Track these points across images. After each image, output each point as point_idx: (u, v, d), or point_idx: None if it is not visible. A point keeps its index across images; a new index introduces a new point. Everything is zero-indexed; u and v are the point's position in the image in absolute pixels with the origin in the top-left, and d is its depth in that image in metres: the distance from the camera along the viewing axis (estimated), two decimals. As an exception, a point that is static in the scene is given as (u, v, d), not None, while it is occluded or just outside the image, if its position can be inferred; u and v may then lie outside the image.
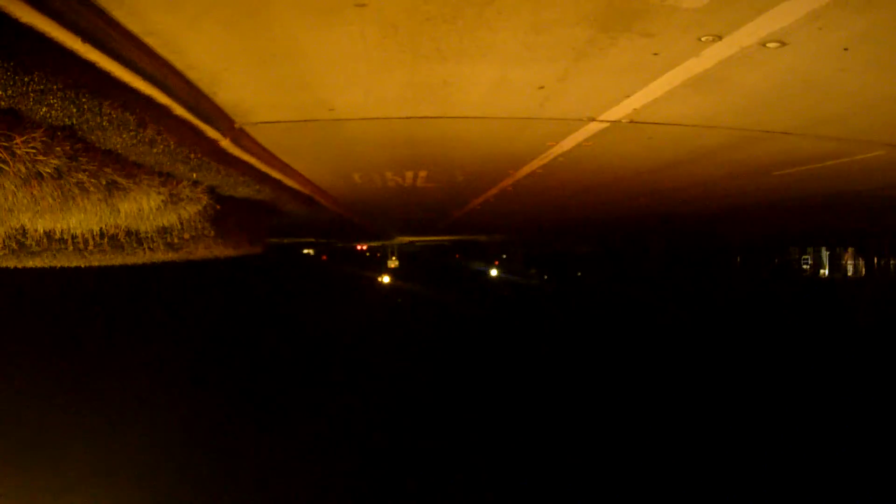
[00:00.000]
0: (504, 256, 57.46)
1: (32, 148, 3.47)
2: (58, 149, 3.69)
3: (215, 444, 15.23)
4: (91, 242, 5.47)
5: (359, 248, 49.77)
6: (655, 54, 3.81)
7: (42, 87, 3.11)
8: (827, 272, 31.27)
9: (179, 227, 6.06)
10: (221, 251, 7.81)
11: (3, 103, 3.13)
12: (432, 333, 30.12)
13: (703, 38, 3.54)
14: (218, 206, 6.36)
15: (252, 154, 6.09)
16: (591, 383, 20.69)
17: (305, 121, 5.39)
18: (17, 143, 3.39)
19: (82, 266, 6.41)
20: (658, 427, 16.64)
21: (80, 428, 14.30)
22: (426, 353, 25.79)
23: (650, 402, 18.47)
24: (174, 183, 5.44)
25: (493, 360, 24.51)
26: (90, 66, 3.33)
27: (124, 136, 4.04)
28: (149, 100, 3.99)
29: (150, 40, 3.47)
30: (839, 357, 20.19)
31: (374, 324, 31.59)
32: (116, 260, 6.53)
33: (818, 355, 20.57)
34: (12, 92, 3.02)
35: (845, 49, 3.65)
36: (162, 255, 6.76)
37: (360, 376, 22.11)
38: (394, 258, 46.09)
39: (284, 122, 5.40)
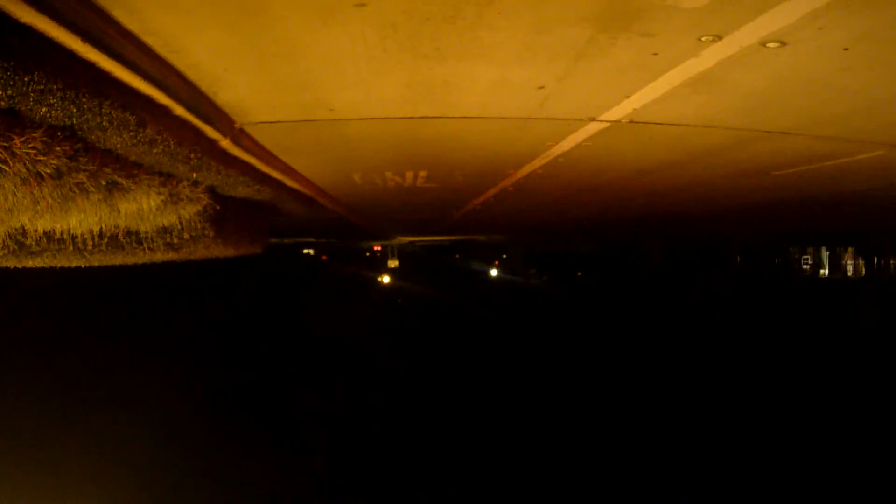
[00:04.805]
0: (504, 256, 57.50)
1: (32, 148, 3.47)
2: (58, 149, 3.68)
3: (214, 444, 15.21)
4: (91, 242, 5.47)
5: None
6: (655, 54, 3.81)
7: (42, 87, 3.10)
8: (827, 272, 31.28)
9: (179, 227, 6.05)
10: (221, 251, 7.79)
11: (2, 103, 3.13)
12: (432, 334, 30.11)
13: (703, 38, 3.54)
14: (218, 206, 6.35)
15: (252, 154, 6.08)
16: (588, 381, 20.69)
17: (306, 121, 5.39)
18: (16, 144, 3.38)
19: (82, 266, 6.41)
20: (648, 424, 16.65)
21: (79, 428, 14.30)
22: (426, 353, 25.79)
23: (643, 400, 18.47)
24: (174, 183, 5.44)
25: (491, 359, 24.50)
26: (90, 66, 3.33)
27: (124, 136, 4.04)
28: (149, 100, 3.99)
29: (149, 40, 3.47)
30: (839, 358, 20.18)
31: (374, 324, 31.58)
32: (116, 260, 6.52)
33: (817, 356, 20.56)
34: (12, 92, 3.01)
35: (845, 49, 3.65)
36: (162, 255, 6.75)
37: (359, 375, 22.09)
38: (394, 258, 46.07)
39: (285, 122, 5.40)
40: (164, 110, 4.24)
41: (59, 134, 3.67)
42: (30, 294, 15.49)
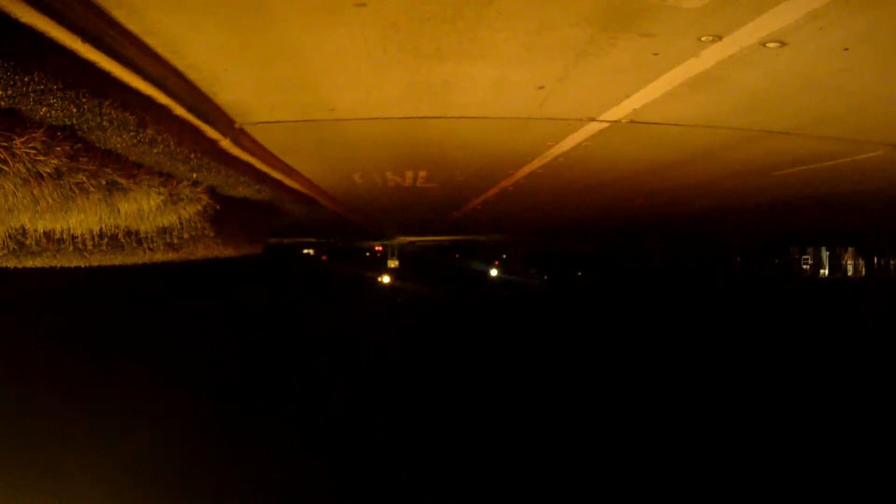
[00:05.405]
0: (504, 256, 57.49)
1: (32, 148, 3.47)
2: (58, 149, 3.68)
3: (214, 445, 15.22)
4: (91, 242, 5.47)
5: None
6: (655, 54, 3.80)
7: (42, 87, 3.10)
8: (827, 272, 31.26)
9: (179, 227, 6.05)
10: (221, 251, 7.80)
11: (3, 103, 3.13)
12: (432, 332, 30.13)
13: (703, 38, 3.54)
14: (218, 206, 6.36)
15: (252, 154, 6.08)
16: (586, 380, 20.70)
17: (306, 121, 5.39)
18: (16, 144, 3.38)
19: (82, 266, 6.41)
20: (643, 423, 16.66)
21: (79, 428, 14.30)
22: (426, 352, 25.81)
23: (641, 400, 18.47)
24: (174, 183, 5.44)
25: (490, 358, 24.52)
26: (90, 66, 3.33)
27: (124, 136, 4.04)
28: (149, 100, 3.99)
29: (150, 40, 3.47)
30: (839, 356, 20.18)
31: (374, 323, 31.61)
32: (116, 260, 6.53)
33: (818, 355, 20.56)
34: (12, 92, 3.01)
35: (845, 49, 3.65)
36: (162, 255, 6.75)
37: (358, 375, 22.10)
38: (394, 258, 46.04)
39: (285, 122, 5.40)
40: (164, 110, 4.24)
41: (59, 134, 3.67)
42: (30, 294, 15.50)
